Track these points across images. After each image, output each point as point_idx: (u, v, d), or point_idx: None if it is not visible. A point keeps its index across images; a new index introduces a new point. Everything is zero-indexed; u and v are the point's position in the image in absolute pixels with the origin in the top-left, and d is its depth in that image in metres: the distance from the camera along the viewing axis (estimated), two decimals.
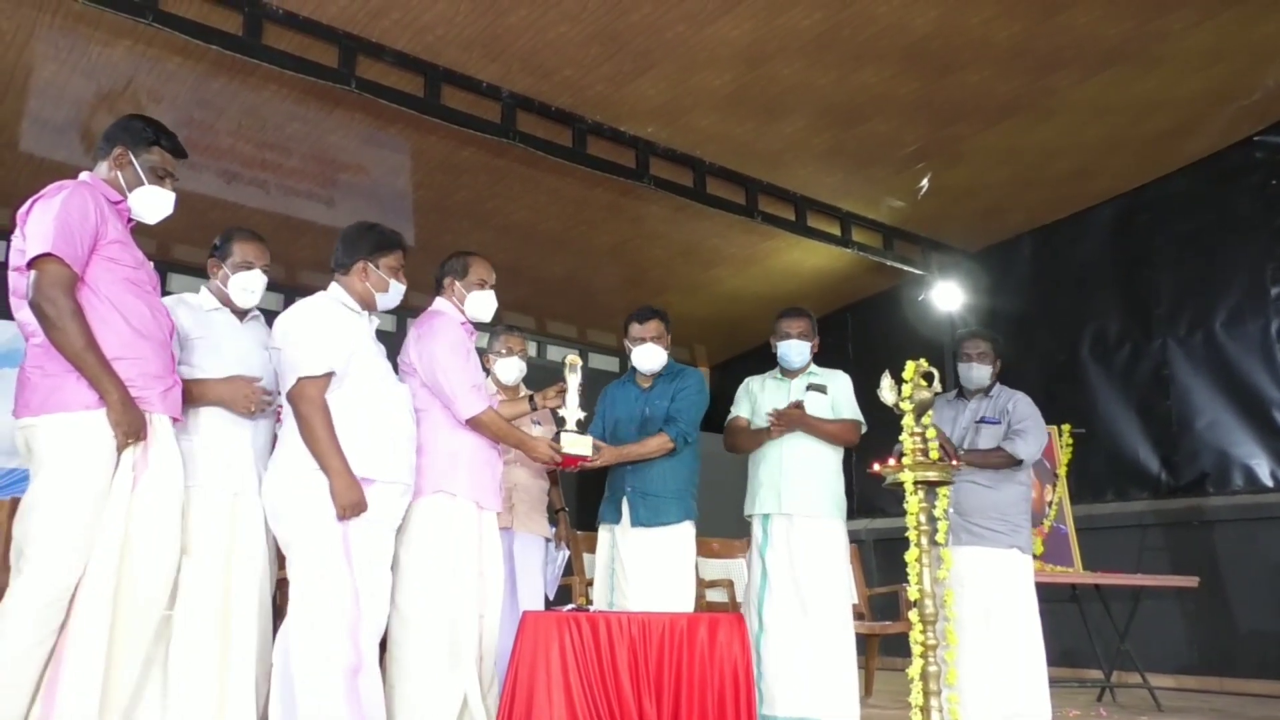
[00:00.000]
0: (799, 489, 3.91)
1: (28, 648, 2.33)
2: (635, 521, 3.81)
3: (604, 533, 3.96)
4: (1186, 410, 6.68)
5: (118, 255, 2.61)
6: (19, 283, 2.54)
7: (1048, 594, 5.94)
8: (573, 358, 3.68)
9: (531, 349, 8.28)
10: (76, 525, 2.39)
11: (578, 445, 3.57)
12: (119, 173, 2.71)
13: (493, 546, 3.30)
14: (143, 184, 2.72)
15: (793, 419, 3.93)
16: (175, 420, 2.69)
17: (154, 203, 2.75)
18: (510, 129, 5.65)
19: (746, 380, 4.28)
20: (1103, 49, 5.45)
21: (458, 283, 3.44)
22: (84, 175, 2.69)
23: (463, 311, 3.43)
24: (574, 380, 3.62)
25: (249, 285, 3.07)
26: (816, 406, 4.00)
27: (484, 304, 3.45)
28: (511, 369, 4.13)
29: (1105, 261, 7.29)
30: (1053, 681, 5.88)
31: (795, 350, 4.06)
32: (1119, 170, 6.89)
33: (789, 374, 4.12)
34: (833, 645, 3.77)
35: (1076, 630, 5.91)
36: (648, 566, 3.77)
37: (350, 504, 2.84)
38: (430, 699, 3.06)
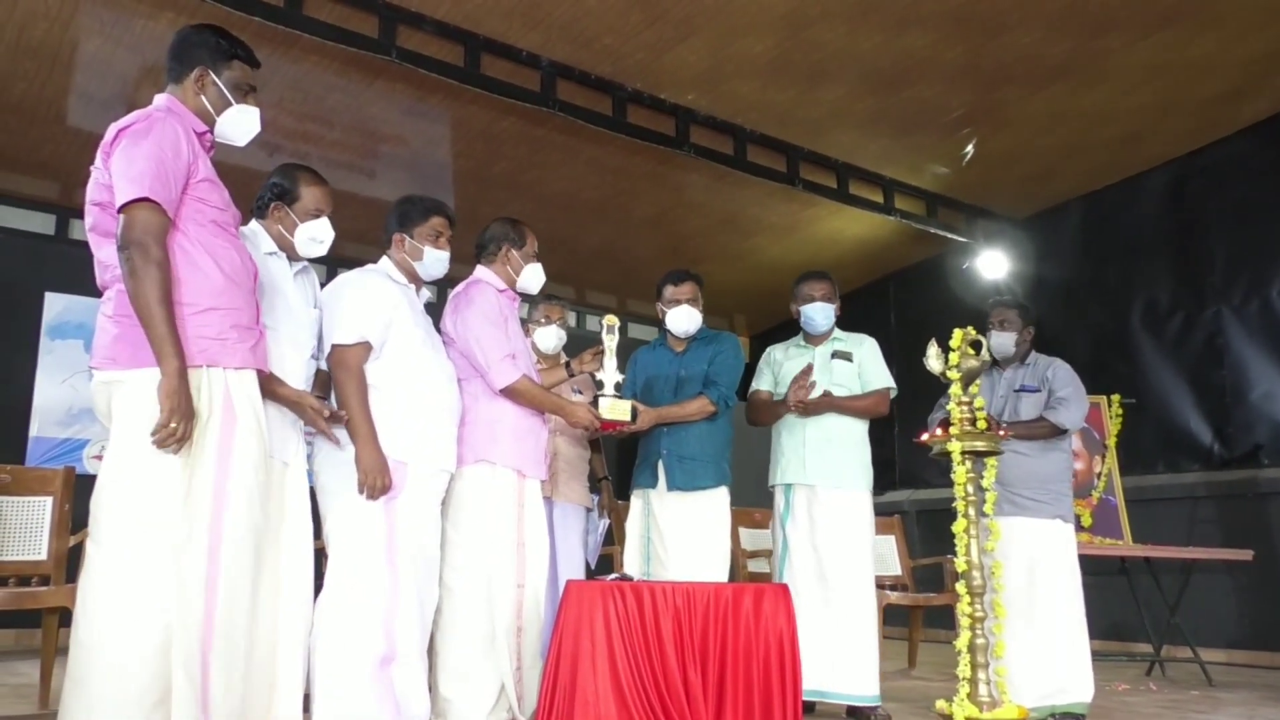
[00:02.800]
0: (823, 459, 3.85)
1: (135, 635, 2.14)
2: (671, 485, 3.77)
3: (637, 498, 3.91)
4: (1241, 380, 6.52)
5: (207, 194, 2.38)
6: (100, 218, 2.32)
7: (1097, 566, 5.88)
8: (610, 318, 3.60)
9: (570, 319, 8.28)
10: (163, 489, 2.20)
11: (616, 410, 3.50)
12: (203, 96, 2.45)
13: (536, 516, 3.30)
14: (231, 104, 2.49)
15: (820, 405, 3.85)
16: (261, 373, 2.49)
17: (244, 123, 2.54)
18: (550, 98, 5.62)
19: (769, 349, 4.20)
20: (1158, 8, 5.28)
21: (514, 252, 3.43)
22: (160, 99, 2.44)
23: (514, 280, 3.43)
24: (611, 342, 3.55)
25: (319, 235, 2.86)
26: (843, 374, 3.93)
27: (538, 276, 3.47)
28: (551, 337, 4.13)
29: (1157, 228, 7.11)
30: (1101, 655, 5.84)
31: (821, 312, 3.97)
32: (1172, 134, 6.70)
33: (813, 340, 4.05)
34: (853, 619, 3.71)
35: (1126, 603, 5.83)
36: (685, 532, 3.73)
37: (372, 470, 2.82)
38: (472, 672, 3.09)
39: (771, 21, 5.27)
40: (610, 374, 3.53)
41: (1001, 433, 3.35)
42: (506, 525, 3.19)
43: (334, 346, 2.90)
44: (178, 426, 2.18)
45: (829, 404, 3.86)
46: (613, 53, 5.56)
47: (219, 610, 2.23)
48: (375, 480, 2.83)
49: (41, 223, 7.06)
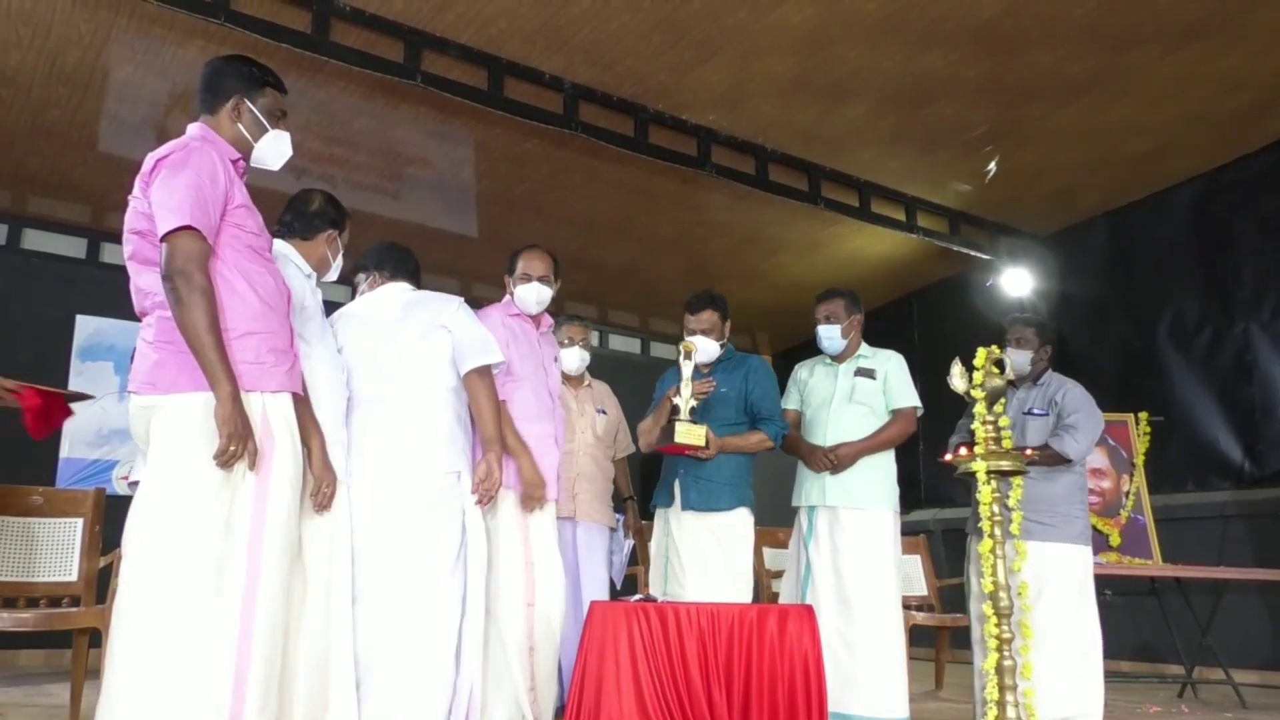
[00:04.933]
0: (845, 482, 3.82)
1: (177, 655, 2.14)
2: (686, 505, 3.76)
3: (658, 518, 3.92)
4: (1271, 397, 6.43)
5: (243, 220, 2.42)
6: (139, 246, 2.37)
7: (1126, 587, 5.81)
8: (687, 344, 3.67)
9: (594, 339, 8.30)
10: (201, 511, 2.22)
11: (691, 435, 3.58)
12: (240, 125, 2.52)
13: (544, 534, 3.29)
14: (267, 130, 2.56)
15: (847, 458, 3.81)
16: (297, 396, 2.50)
17: (279, 147, 2.62)
18: (572, 120, 5.66)
19: (795, 368, 4.19)
20: (1182, 24, 5.26)
21: (507, 277, 3.61)
22: (194, 129, 2.49)
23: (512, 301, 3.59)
24: (688, 368, 3.62)
25: (339, 263, 3.02)
26: (866, 392, 3.92)
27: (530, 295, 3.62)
28: (574, 358, 4.15)
29: (1184, 244, 7.05)
30: (1133, 676, 5.77)
31: (825, 335, 3.98)
32: (1199, 149, 6.65)
33: (836, 358, 4.04)
34: (878, 639, 3.67)
35: (1156, 624, 5.75)
36: (702, 552, 3.72)
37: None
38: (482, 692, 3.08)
39: (793, 41, 5.30)
40: (687, 399, 3.60)
41: (1029, 452, 3.32)
42: (511, 544, 3.19)
43: (488, 367, 3.04)
44: (238, 448, 2.24)
45: (856, 453, 3.82)
46: (634, 74, 5.61)
47: (256, 630, 2.24)
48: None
49: (73, 246, 7.17)
